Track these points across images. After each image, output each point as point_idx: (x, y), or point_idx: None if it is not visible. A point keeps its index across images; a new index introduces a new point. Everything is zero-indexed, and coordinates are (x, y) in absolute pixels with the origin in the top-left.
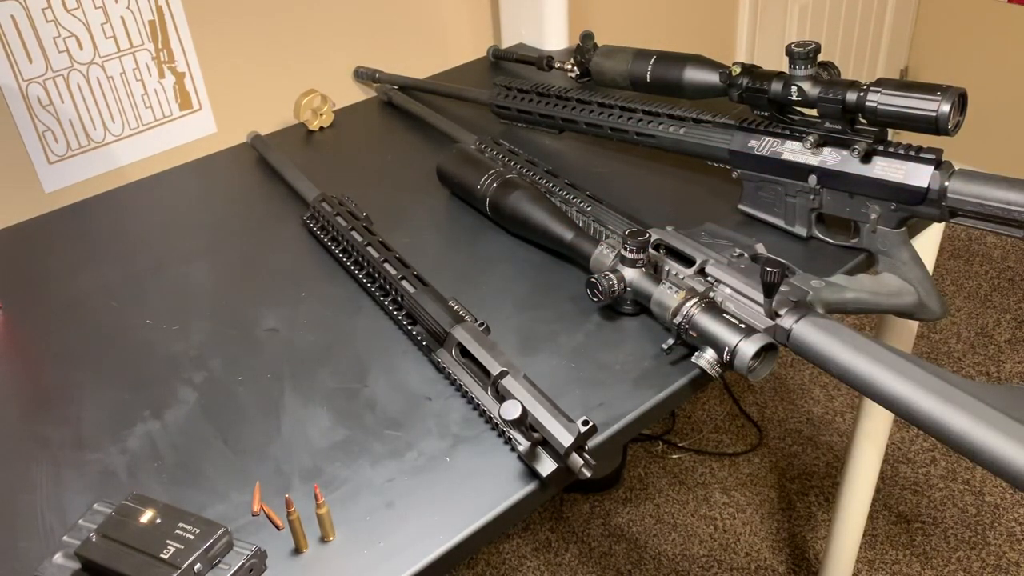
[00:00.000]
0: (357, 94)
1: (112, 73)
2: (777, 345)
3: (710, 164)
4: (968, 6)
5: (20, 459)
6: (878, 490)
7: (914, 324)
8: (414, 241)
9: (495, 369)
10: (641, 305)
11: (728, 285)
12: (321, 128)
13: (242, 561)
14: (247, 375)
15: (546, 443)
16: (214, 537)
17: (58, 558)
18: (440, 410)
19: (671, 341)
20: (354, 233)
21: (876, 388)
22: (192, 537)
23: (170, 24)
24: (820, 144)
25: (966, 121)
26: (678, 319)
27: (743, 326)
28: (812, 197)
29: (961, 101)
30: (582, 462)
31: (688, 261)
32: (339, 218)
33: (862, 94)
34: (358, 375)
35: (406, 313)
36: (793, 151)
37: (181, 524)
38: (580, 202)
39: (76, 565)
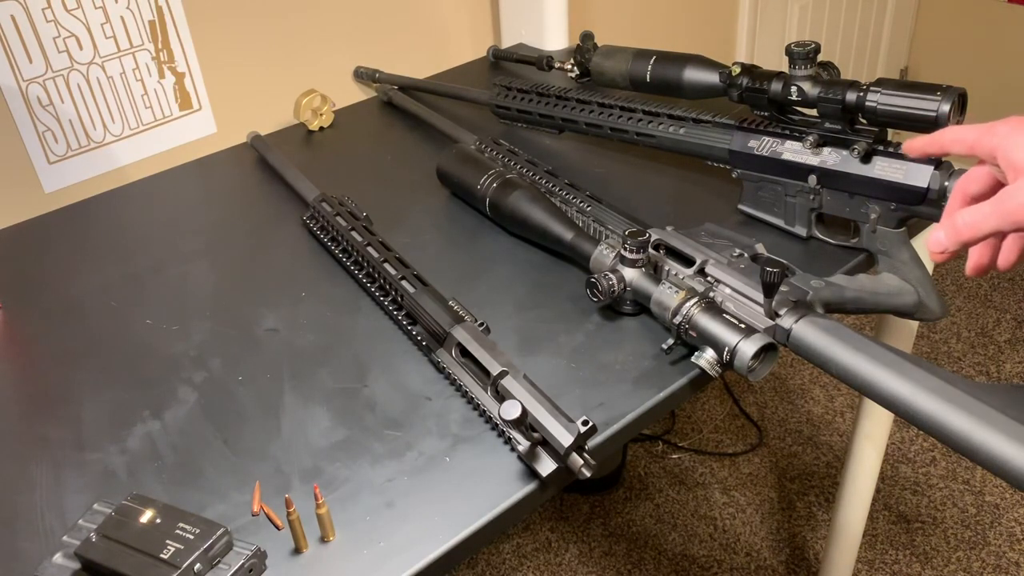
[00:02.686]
0: (357, 94)
1: (112, 73)
2: (777, 345)
3: (710, 164)
4: (968, 6)
5: (20, 459)
6: (878, 490)
7: (914, 324)
8: (414, 241)
9: (495, 369)
10: (641, 305)
11: (728, 285)
12: (321, 128)
13: (242, 561)
14: (247, 375)
15: (546, 443)
16: (214, 537)
17: (58, 558)
18: (440, 410)
19: (671, 341)
20: (354, 233)
21: (876, 388)
22: (192, 537)
23: (170, 24)
24: (820, 144)
25: (966, 121)
26: (678, 319)
27: (743, 326)
28: (812, 197)
29: (961, 101)
30: (582, 462)
31: (688, 261)
32: (339, 218)
33: (862, 94)
34: (358, 375)
35: (406, 313)
36: (793, 151)
37: (181, 524)
38: (580, 202)
39: (76, 565)
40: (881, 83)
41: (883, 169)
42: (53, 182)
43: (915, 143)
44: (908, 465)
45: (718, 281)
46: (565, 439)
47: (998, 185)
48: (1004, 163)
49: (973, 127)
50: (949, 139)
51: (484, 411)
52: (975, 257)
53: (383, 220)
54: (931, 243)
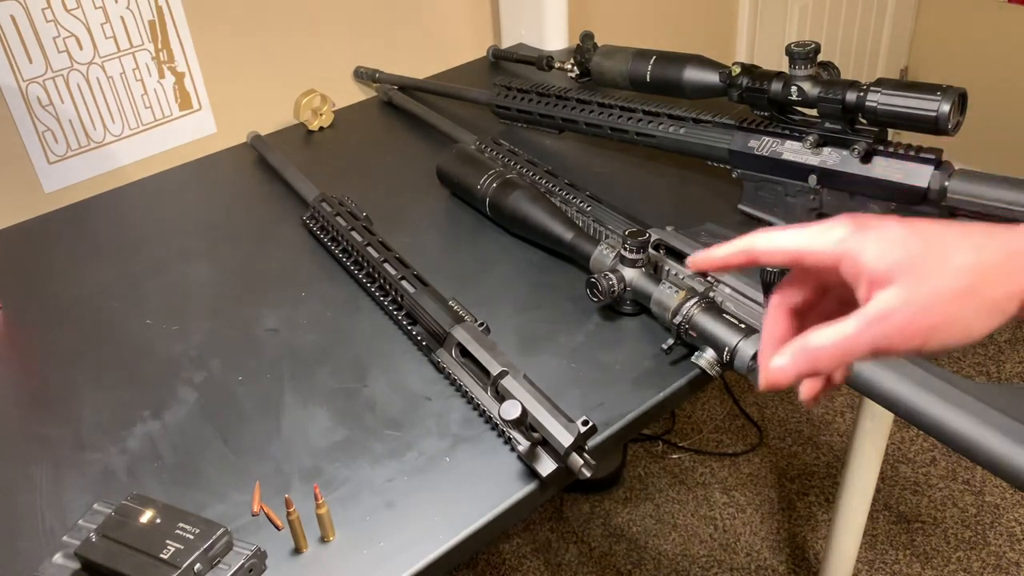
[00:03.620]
0: (357, 94)
1: (112, 73)
2: None
3: (710, 164)
4: (968, 6)
5: (20, 459)
6: (878, 490)
7: None
8: (414, 241)
9: (495, 369)
10: (641, 305)
11: (728, 285)
12: (321, 128)
13: (242, 561)
14: (247, 375)
15: (546, 443)
16: (214, 537)
17: (58, 558)
18: (440, 410)
19: (671, 341)
20: (354, 233)
21: (876, 388)
22: (192, 537)
23: (170, 24)
24: (820, 144)
25: (966, 121)
26: (678, 319)
27: (743, 326)
28: (812, 197)
29: (961, 101)
30: (582, 462)
31: None
32: (339, 218)
33: (862, 94)
34: (358, 375)
35: (406, 313)
36: (793, 151)
37: (181, 524)
38: (580, 202)
39: (76, 565)
40: (881, 83)
41: (883, 169)
42: (53, 182)
43: (697, 259)
44: (908, 465)
45: (718, 281)
46: (565, 439)
47: (821, 287)
48: (852, 272)
49: (788, 232)
50: (761, 249)
51: (484, 411)
52: (813, 384)
53: (383, 220)
54: (774, 374)
